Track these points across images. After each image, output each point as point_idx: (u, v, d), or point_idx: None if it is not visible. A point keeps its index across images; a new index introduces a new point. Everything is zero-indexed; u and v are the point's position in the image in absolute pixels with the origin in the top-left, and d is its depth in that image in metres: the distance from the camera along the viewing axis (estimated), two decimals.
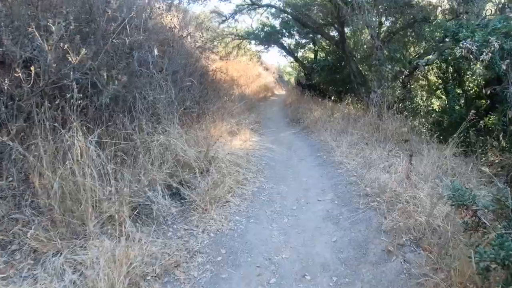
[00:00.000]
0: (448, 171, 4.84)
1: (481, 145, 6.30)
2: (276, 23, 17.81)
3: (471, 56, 4.46)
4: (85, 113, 3.95)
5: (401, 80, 10.39)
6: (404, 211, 3.61)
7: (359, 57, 13.75)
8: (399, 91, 9.90)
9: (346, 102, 10.80)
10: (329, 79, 14.38)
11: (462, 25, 5.47)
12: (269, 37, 16.86)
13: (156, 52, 5.05)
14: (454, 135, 5.42)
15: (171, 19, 8.09)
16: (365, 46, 13.98)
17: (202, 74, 9.60)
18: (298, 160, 6.42)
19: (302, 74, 19.42)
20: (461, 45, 4.66)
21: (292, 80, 28.29)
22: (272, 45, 18.96)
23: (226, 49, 19.11)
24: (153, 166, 4.30)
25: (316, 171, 5.63)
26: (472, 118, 4.66)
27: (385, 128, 6.64)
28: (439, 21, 9.25)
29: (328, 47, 15.45)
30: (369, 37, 14.99)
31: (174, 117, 5.03)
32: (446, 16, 9.58)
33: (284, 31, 16.77)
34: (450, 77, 10.07)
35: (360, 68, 13.36)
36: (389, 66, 9.19)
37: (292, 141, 7.98)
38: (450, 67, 9.61)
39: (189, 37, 8.51)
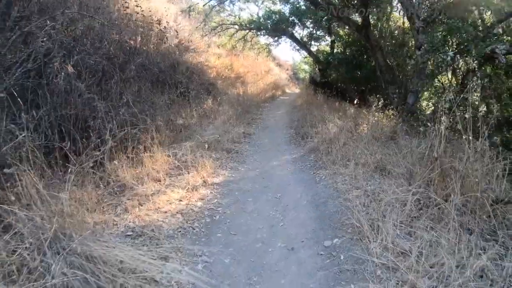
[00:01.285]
0: None
1: None
2: (285, 9, 14.03)
3: None
4: None
5: (460, 78, 6.52)
6: None
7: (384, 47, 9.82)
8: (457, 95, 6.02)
9: (374, 106, 7.01)
10: (349, 76, 10.52)
11: None
12: (277, 27, 13.07)
13: None
14: None
15: None
16: (396, 33, 10.02)
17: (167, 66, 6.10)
18: (284, 254, 2.68)
19: (317, 70, 15.57)
20: None
21: (308, 77, 24.36)
22: (282, 37, 15.18)
23: (231, 42, 15.51)
24: None
25: None
26: None
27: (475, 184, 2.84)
28: None
29: (347, 37, 11.54)
30: (399, 22, 11.05)
31: None
32: None
33: (294, 19, 12.93)
34: None
35: (389, 62, 9.52)
36: (450, 53, 5.30)
37: (286, 183, 4.24)
38: None
39: None
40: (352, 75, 10.39)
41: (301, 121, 7.64)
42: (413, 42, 10.22)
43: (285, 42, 21.91)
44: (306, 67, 24.10)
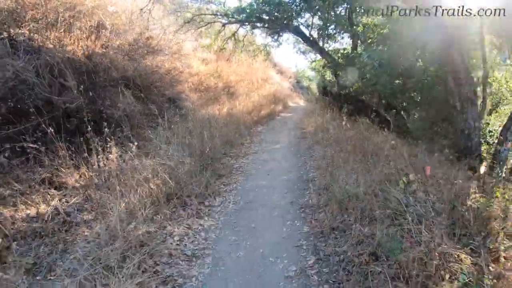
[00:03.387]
0: None
1: None
2: None
3: None
4: None
5: None
6: None
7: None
8: None
9: None
10: (392, 88, 5.79)
11: None
12: (276, 17, 8.44)
13: None
14: None
15: None
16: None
17: None
18: None
19: (329, 77, 10.89)
20: None
21: (313, 86, 19.64)
22: (283, 34, 10.53)
23: (217, 42, 10.90)
24: None
25: None
26: None
27: None
28: None
29: (379, 29, 6.88)
30: None
31: None
32: None
33: (301, 3, 8.20)
34: None
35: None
36: None
37: None
38: None
39: None
40: (398, 87, 5.70)
41: (333, 204, 2.90)
42: None
43: (287, 43, 17.21)
44: (312, 73, 19.43)
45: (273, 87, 12.80)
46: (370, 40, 6.73)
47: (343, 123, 5.13)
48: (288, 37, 10.73)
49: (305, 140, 6.06)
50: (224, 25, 9.86)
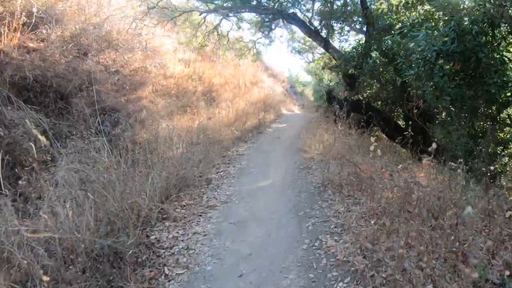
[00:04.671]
0: None
1: None
2: None
3: None
4: None
5: None
6: None
7: None
8: None
9: None
10: (457, 94, 3.48)
11: None
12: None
13: None
14: None
15: None
16: None
17: None
18: None
19: (333, 80, 8.61)
20: None
21: (308, 92, 17.35)
22: (275, 28, 8.24)
23: (196, 37, 8.59)
24: None
25: None
26: None
27: None
28: None
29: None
30: None
31: None
32: None
33: None
34: None
35: None
36: None
37: None
38: None
39: None
40: (458, 91, 3.41)
41: None
42: None
43: (281, 41, 14.90)
44: (308, 78, 17.17)
45: (263, 92, 10.47)
46: (400, 24, 4.41)
47: (371, 147, 2.77)
48: (281, 33, 8.51)
49: (309, 175, 3.70)
50: (201, 14, 7.53)
